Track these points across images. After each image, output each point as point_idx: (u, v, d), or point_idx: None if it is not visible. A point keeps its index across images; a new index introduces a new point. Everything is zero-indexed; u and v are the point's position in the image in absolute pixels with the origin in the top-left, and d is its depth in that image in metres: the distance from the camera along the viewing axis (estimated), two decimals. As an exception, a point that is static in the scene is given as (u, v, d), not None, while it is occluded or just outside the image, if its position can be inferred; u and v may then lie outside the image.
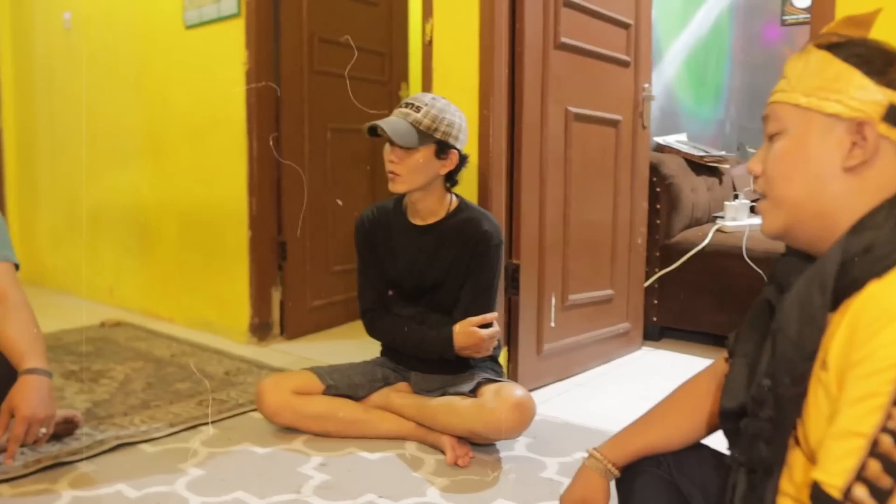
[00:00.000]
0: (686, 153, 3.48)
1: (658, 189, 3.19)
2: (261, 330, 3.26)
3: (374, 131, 2.05)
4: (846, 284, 0.85)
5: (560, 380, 2.68)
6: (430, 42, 2.57)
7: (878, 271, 0.83)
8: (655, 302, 3.21)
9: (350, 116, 3.42)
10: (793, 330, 0.90)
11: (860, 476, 0.74)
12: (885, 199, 0.89)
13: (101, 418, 2.28)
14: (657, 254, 3.22)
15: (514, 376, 2.47)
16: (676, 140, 3.66)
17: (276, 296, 3.31)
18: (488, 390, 1.99)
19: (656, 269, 3.21)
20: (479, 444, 2.02)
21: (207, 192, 3.43)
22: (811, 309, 0.88)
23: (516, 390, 1.96)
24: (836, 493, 0.75)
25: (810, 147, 0.92)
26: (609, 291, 2.86)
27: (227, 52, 3.24)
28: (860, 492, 0.74)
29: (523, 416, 1.93)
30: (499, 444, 2.05)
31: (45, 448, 1.97)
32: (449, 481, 1.85)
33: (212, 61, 3.35)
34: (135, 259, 3.93)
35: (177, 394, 2.52)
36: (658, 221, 3.21)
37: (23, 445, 1.71)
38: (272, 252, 3.28)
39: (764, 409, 0.94)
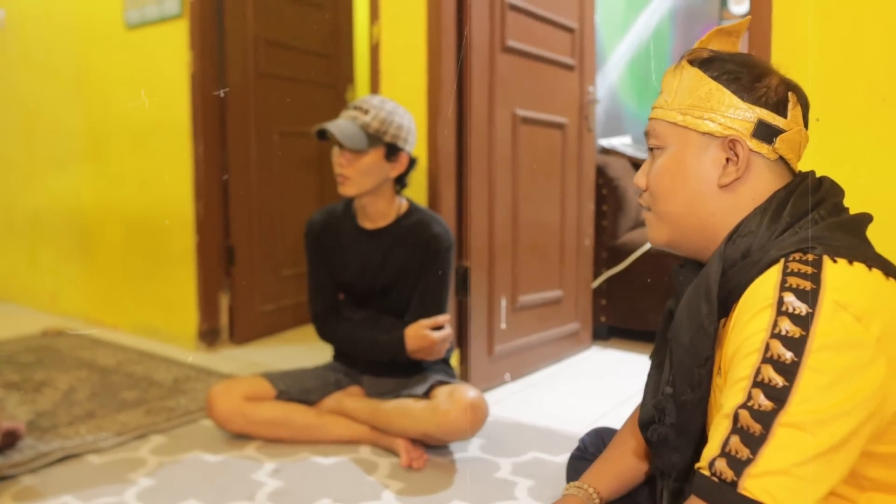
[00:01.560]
0: (631, 156, 3.55)
1: (604, 191, 3.25)
2: (209, 336, 3.21)
3: (322, 134, 2.04)
4: (729, 291, 0.91)
5: (512, 380, 2.71)
6: (378, 45, 2.57)
7: (755, 275, 0.88)
8: (604, 302, 3.27)
9: (298, 119, 3.41)
10: (685, 338, 0.95)
11: (723, 451, 0.80)
12: (757, 207, 0.94)
13: (45, 429, 2.22)
14: (604, 255, 3.27)
15: (466, 378, 2.49)
16: (621, 143, 3.73)
17: (224, 301, 3.27)
18: (441, 392, 2.00)
19: (603, 270, 3.27)
20: (433, 447, 2.03)
21: (152, 196, 3.37)
22: (699, 317, 0.93)
23: (469, 392, 1.97)
24: (703, 471, 0.81)
25: (688, 165, 0.97)
26: (558, 292, 2.90)
27: (171, 53, 3.19)
28: (720, 463, 0.79)
29: (476, 418, 1.94)
30: (452, 446, 2.06)
31: (-14, 461, 1.91)
32: (404, 484, 1.85)
33: (155, 62, 3.29)
34: (77, 265, 3.83)
35: (124, 402, 2.47)
36: (604, 223, 3.26)
37: None
38: (219, 256, 3.24)
39: (667, 415, 0.98)
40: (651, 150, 1.02)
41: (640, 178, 1.04)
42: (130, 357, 3.06)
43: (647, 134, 1.03)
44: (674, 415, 0.97)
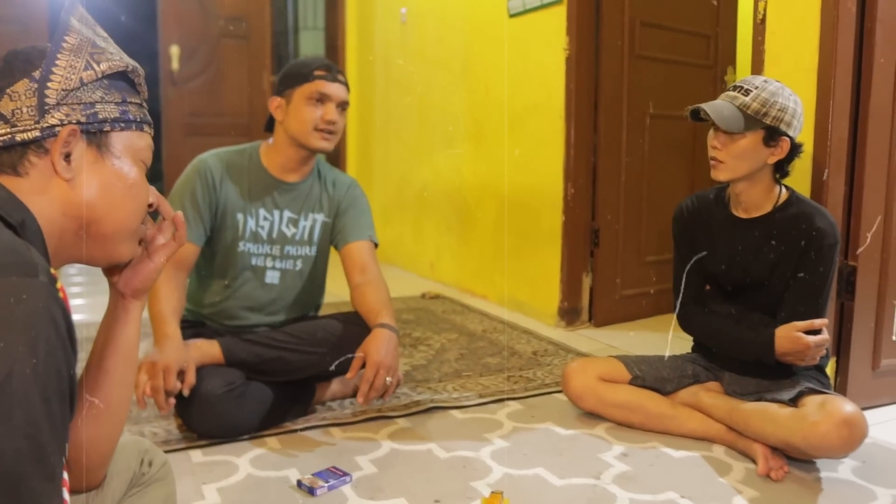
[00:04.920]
0: None
1: None
2: (569, 314, 3.30)
3: (697, 115, 1.96)
4: None
5: None
6: (763, 20, 2.38)
7: None
8: None
9: (670, 102, 3.32)
10: None
11: None
12: None
13: (419, 381, 2.47)
14: None
15: (842, 391, 2.22)
16: None
17: (586, 282, 3.32)
18: (811, 401, 1.81)
19: None
20: (795, 459, 1.85)
21: (524, 176, 3.54)
22: None
23: (845, 405, 1.75)
24: None
25: None
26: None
27: (548, 38, 3.30)
28: None
29: (852, 435, 1.72)
30: (819, 463, 1.86)
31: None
32: (758, 493, 1.72)
33: (532, 48, 3.44)
34: (454, 237, 4.19)
35: (486, 367, 2.65)
36: None
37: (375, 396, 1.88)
38: (585, 238, 3.29)
39: None
40: None
41: None
42: (495, 326, 3.28)
43: None
44: None
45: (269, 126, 2.19)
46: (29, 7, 4.51)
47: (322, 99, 2.07)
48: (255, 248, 2.16)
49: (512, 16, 3.55)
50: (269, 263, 2.18)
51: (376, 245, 2.23)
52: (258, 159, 2.17)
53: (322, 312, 2.39)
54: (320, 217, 2.21)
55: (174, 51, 5.01)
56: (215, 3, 5.15)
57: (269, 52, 5.26)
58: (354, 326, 2.07)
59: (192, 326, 2.17)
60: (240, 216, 2.14)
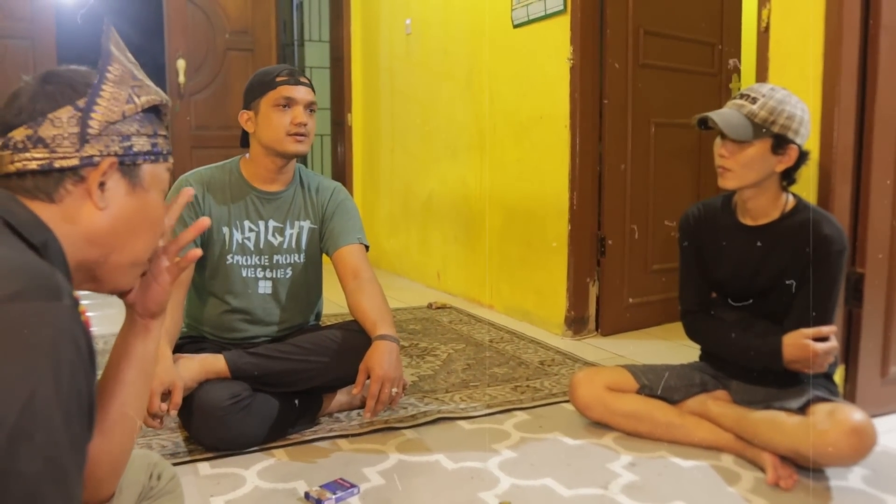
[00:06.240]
0: None
1: None
2: (576, 324, 3.29)
3: (704, 123, 1.96)
4: None
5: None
6: (767, 28, 2.39)
7: None
8: None
9: (675, 110, 3.33)
10: None
11: None
12: None
13: (426, 392, 2.47)
14: None
15: (850, 398, 2.21)
16: None
17: (592, 291, 3.32)
18: (820, 410, 1.80)
19: None
20: (805, 468, 1.84)
21: (530, 186, 3.54)
22: None
23: (854, 413, 1.75)
24: None
25: None
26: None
27: (552, 48, 3.31)
28: None
29: (861, 444, 1.71)
30: (829, 472, 1.85)
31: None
32: (768, 502, 1.71)
33: (536, 58, 3.44)
34: (460, 247, 4.19)
35: (493, 377, 2.65)
36: None
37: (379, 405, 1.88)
38: (591, 247, 3.29)
39: None
40: None
41: None
42: (502, 336, 3.27)
43: None
44: None
45: (245, 141, 2.21)
46: (37, 22, 4.54)
47: (288, 103, 2.09)
48: (244, 259, 2.18)
49: (516, 26, 3.56)
50: (259, 274, 2.19)
51: (367, 247, 2.24)
52: (239, 173, 2.20)
53: (325, 323, 2.39)
54: (306, 224, 2.23)
55: (180, 64, 5.03)
56: (221, 17, 5.17)
57: (274, 64, 5.28)
58: (356, 334, 2.07)
59: (195, 342, 2.19)
60: (225, 230, 2.16)
